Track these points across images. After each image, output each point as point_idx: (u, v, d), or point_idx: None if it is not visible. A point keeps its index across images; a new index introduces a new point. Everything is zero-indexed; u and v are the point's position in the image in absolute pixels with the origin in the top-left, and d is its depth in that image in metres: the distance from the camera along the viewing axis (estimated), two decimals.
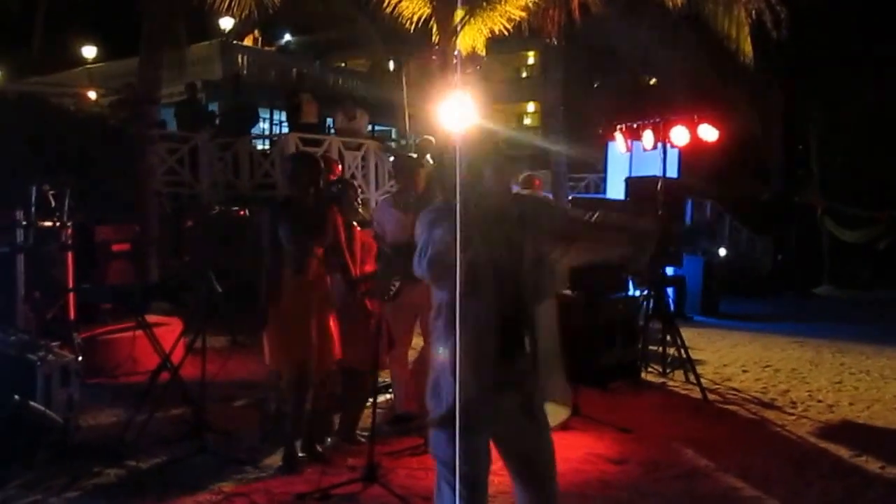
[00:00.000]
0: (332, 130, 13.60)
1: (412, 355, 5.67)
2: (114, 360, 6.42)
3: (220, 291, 4.72)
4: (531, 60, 29.88)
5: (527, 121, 31.17)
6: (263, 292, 4.44)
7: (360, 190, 5.40)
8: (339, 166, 5.94)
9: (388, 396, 5.86)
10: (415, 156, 6.11)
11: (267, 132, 16.37)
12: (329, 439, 4.93)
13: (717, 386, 7.11)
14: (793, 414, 6.23)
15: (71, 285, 6.30)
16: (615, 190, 9.60)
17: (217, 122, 12.56)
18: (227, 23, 17.37)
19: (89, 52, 20.37)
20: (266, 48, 19.56)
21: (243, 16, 6.90)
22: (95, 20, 19.32)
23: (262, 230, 4.49)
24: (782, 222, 17.55)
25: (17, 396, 4.41)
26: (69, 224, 6.37)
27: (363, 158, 12.41)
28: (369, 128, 22.85)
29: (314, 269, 4.50)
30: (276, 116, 18.00)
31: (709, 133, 6.88)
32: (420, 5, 9.32)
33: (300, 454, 4.59)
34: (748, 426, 5.94)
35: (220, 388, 5.78)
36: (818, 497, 4.45)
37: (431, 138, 11.28)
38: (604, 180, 11.59)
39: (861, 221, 16.95)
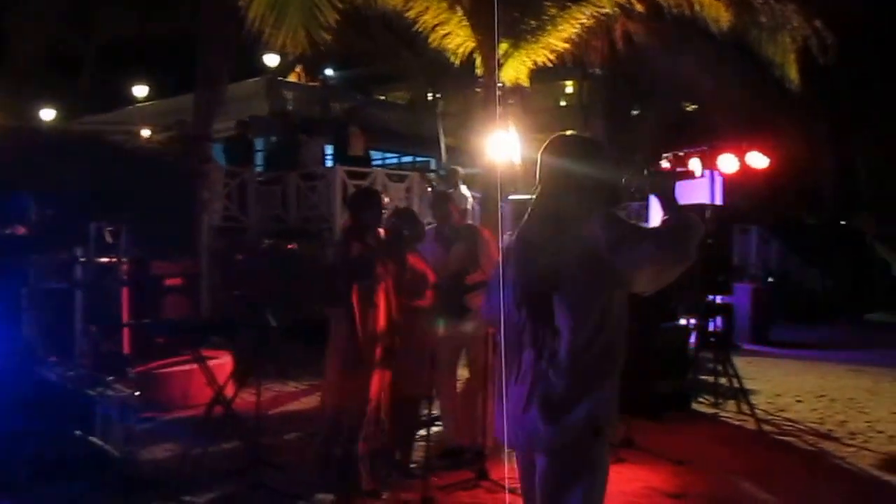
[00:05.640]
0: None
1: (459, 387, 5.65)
2: (168, 394, 6.52)
3: (274, 326, 4.78)
4: (569, 90, 29.97)
5: None
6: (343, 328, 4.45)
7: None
8: (386, 199, 6.01)
9: (436, 429, 5.84)
10: (451, 191, 6.15)
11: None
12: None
13: (772, 416, 6.95)
14: (852, 445, 6.06)
15: (127, 320, 6.46)
16: (660, 218, 9.49)
17: (266, 156, 12.80)
18: (272, 60, 17.78)
19: (140, 91, 21.01)
20: (310, 83, 19.96)
21: (297, 53, 7.09)
22: (145, 59, 19.96)
23: (334, 267, 4.52)
24: (833, 247, 17.18)
25: (77, 432, 4.52)
26: (125, 260, 6.55)
27: (407, 190, 12.53)
28: (409, 159, 23.12)
29: (381, 305, 4.52)
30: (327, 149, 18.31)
31: (758, 160, 6.81)
32: (465, 39, 9.43)
33: (354, 489, 4.59)
34: (807, 458, 5.80)
35: (272, 421, 5.86)
36: None
37: (459, 168, 11.38)
38: (646, 208, 11.49)
39: None
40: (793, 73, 10.43)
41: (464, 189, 10.85)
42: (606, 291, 2.47)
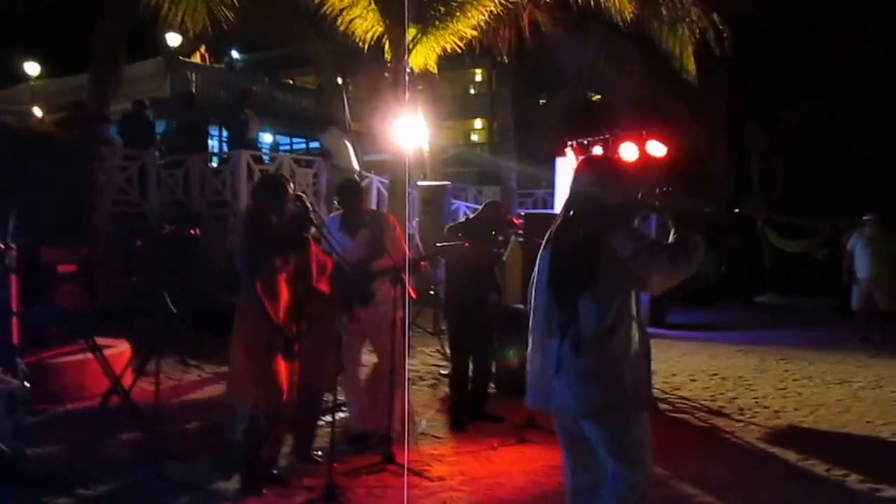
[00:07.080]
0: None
1: (364, 373, 5.65)
2: (62, 384, 6.23)
3: (175, 313, 4.65)
4: (479, 77, 30.20)
5: (474, 137, 31.48)
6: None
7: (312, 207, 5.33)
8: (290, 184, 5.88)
9: (342, 415, 5.82)
10: (357, 179, 6.07)
11: (216, 150, 16.18)
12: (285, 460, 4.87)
13: (668, 395, 7.25)
14: (741, 420, 6.40)
15: (16, 308, 6.13)
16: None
17: (167, 139, 12.39)
18: (174, 39, 17.15)
19: (31, 68, 19.88)
20: (214, 65, 19.39)
21: (196, 31, 6.83)
22: (36, 37, 18.87)
23: (238, 253, 4.40)
24: (726, 233, 17.97)
25: None
26: (13, 246, 6.20)
27: (315, 176, 12.38)
28: (317, 144, 22.77)
29: (283, 293, 4.44)
30: (224, 134, 17.81)
31: (657, 148, 7.02)
32: (373, 23, 9.37)
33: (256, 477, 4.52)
34: (699, 434, 6.08)
35: (172, 410, 5.70)
36: (770, 500, 4.60)
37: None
38: (552, 196, 11.74)
39: (801, 232, 17.45)
40: (690, 65, 10.85)
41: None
42: (625, 288, 3.03)
